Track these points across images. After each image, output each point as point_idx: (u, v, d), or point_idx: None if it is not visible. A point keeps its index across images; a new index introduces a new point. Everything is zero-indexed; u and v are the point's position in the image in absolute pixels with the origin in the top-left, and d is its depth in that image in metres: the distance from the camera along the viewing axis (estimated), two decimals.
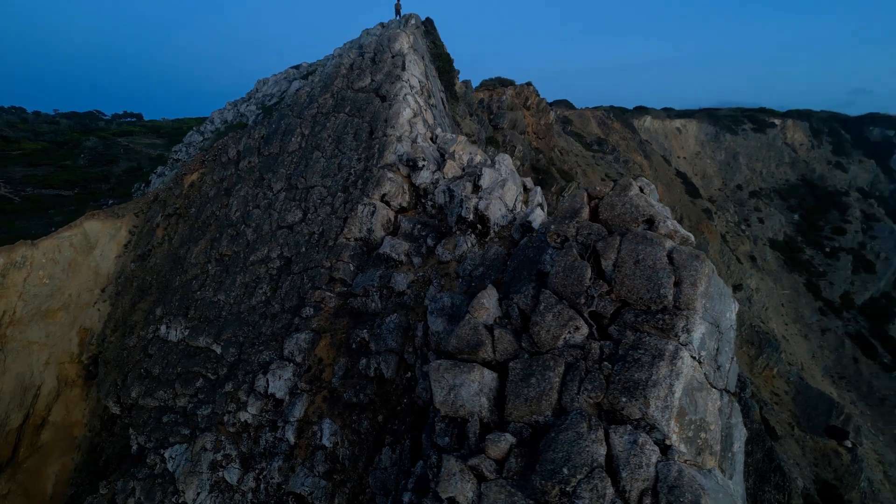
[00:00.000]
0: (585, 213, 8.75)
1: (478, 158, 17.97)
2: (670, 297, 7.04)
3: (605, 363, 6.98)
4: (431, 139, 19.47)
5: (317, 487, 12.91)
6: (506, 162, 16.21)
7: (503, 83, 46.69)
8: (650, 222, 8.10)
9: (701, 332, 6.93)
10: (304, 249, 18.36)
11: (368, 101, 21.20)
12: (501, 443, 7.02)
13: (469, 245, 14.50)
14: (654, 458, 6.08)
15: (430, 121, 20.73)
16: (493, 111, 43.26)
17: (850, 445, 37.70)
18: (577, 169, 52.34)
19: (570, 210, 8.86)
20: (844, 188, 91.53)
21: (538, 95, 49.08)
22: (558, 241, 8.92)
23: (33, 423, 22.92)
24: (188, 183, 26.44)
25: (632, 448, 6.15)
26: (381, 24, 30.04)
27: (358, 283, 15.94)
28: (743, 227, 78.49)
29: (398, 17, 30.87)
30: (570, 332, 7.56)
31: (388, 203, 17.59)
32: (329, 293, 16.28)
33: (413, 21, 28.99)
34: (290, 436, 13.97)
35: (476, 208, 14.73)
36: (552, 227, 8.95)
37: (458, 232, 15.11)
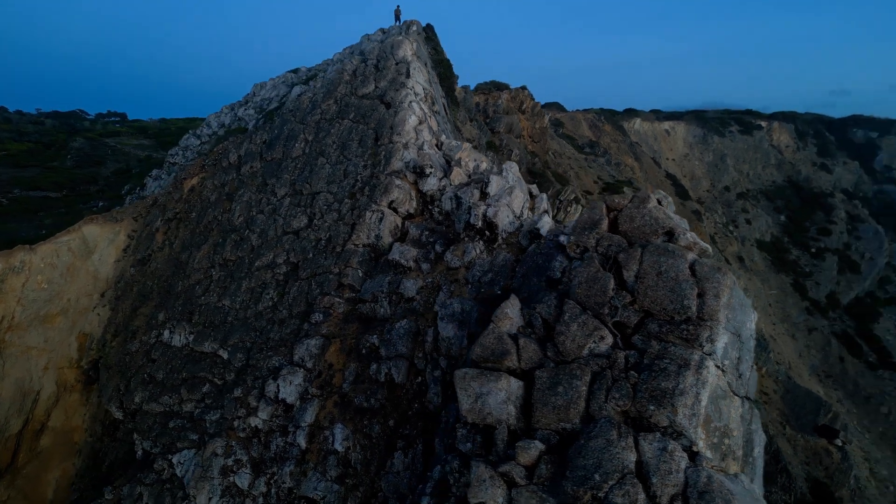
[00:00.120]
0: (605, 224, 9.01)
1: (483, 165, 18.22)
2: (693, 308, 7.32)
3: (632, 372, 7.23)
4: (437, 146, 19.67)
5: (329, 492, 13.06)
6: (513, 169, 16.48)
7: (498, 87, 47.09)
8: (670, 234, 8.38)
9: (724, 342, 7.21)
10: (311, 255, 18.45)
11: (373, 108, 21.32)
12: (532, 449, 7.25)
13: (477, 251, 14.74)
14: (683, 465, 6.34)
15: (435, 128, 20.93)
16: (489, 115, 43.58)
17: (840, 444, 38.51)
18: (571, 171, 52.84)
19: (590, 221, 9.12)
20: (829, 189, 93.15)
21: (532, 99, 49.64)
22: (578, 251, 9.18)
23: (32, 428, 22.76)
24: (188, 187, 26.36)
25: (661, 454, 6.41)
26: (382, 30, 30.12)
27: (367, 289, 16.10)
28: (731, 228, 79.59)
29: (398, 23, 30.94)
30: (594, 342, 7.81)
31: (395, 210, 17.77)
32: (338, 299, 16.42)
33: (415, 27, 29.15)
34: (302, 440, 14.10)
35: (485, 215, 14.98)
36: (572, 237, 9.20)
37: (466, 238, 15.34)
